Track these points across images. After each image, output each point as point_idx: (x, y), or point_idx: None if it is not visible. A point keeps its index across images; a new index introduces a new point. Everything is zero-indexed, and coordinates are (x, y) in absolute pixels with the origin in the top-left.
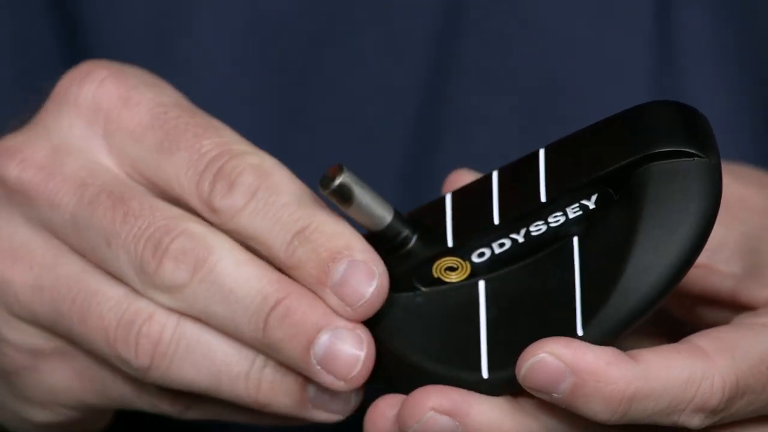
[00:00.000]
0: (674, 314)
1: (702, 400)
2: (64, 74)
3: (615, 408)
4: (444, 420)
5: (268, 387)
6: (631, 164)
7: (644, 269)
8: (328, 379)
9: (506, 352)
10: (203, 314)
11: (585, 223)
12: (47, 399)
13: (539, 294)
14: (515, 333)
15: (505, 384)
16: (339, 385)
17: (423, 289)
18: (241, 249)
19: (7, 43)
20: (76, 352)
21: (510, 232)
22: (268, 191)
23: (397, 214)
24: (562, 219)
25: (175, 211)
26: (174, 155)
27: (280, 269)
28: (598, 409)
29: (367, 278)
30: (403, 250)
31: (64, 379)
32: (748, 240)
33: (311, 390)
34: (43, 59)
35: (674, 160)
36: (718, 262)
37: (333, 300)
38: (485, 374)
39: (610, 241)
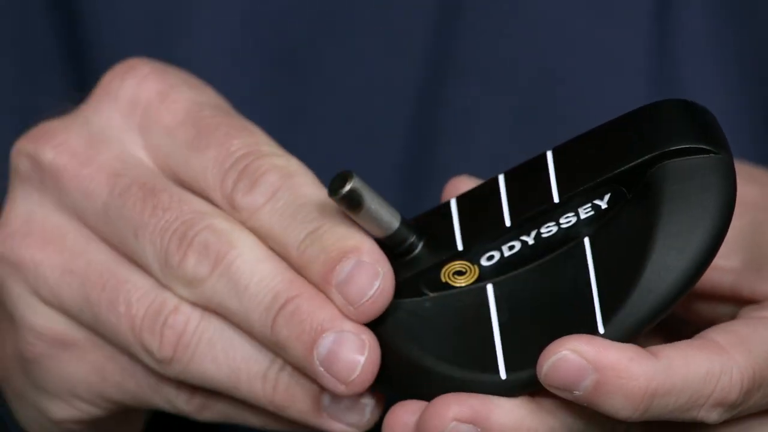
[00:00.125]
0: (673, 312)
1: (721, 395)
2: (68, 72)
3: (637, 404)
4: (466, 428)
5: (284, 389)
6: (645, 162)
7: (665, 266)
8: (330, 382)
9: (523, 353)
10: (220, 308)
11: (595, 224)
12: (65, 390)
13: (552, 295)
14: (531, 334)
15: (524, 384)
16: (341, 389)
17: (431, 294)
18: (262, 247)
19: (7, 43)
20: (97, 343)
21: (521, 234)
22: (288, 191)
23: (404, 220)
24: (574, 220)
25: (204, 206)
26: (203, 152)
27: (295, 269)
28: (620, 406)
29: (370, 277)
30: (409, 256)
31: (83, 371)
32: (748, 235)
33: (326, 398)
34: (43, 59)
35: (689, 157)
36: (717, 258)
37: (338, 299)
38: (503, 375)
39: (626, 240)
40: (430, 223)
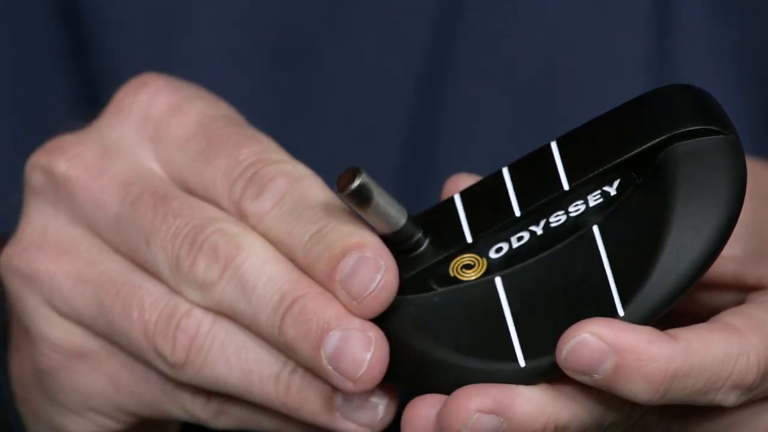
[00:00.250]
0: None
1: (739, 377)
2: (69, 72)
3: (656, 387)
4: (489, 419)
5: (296, 391)
6: (655, 146)
7: (683, 247)
8: (338, 380)
9: (540, 340)
10: (231, 311)
11: (604, 210)
12: (81, 403)
13: (565, 283)
14: (546, 321)
15: (544, 370)
16: (349, 386)
17: (439, 289)
18: (270, 249)
19: (7, 42)
20: (112, 352)
21: (530, 224)
22: (295, 196)
23: (411, 217)
24: (583, 207)
25: (214, 212)
26: (213, 162)
27: (302, 270)
28: (639, 389)
29: (372, 271)
30: (416, 252)
31: (98, 382)
32: (748, 223)
33: (339, 398)
34: (44, 58)
35: (698, 138)
36: None
37: (342, 295)
38: (522, 363)
39: (639, 223)
40: (435, 220)
